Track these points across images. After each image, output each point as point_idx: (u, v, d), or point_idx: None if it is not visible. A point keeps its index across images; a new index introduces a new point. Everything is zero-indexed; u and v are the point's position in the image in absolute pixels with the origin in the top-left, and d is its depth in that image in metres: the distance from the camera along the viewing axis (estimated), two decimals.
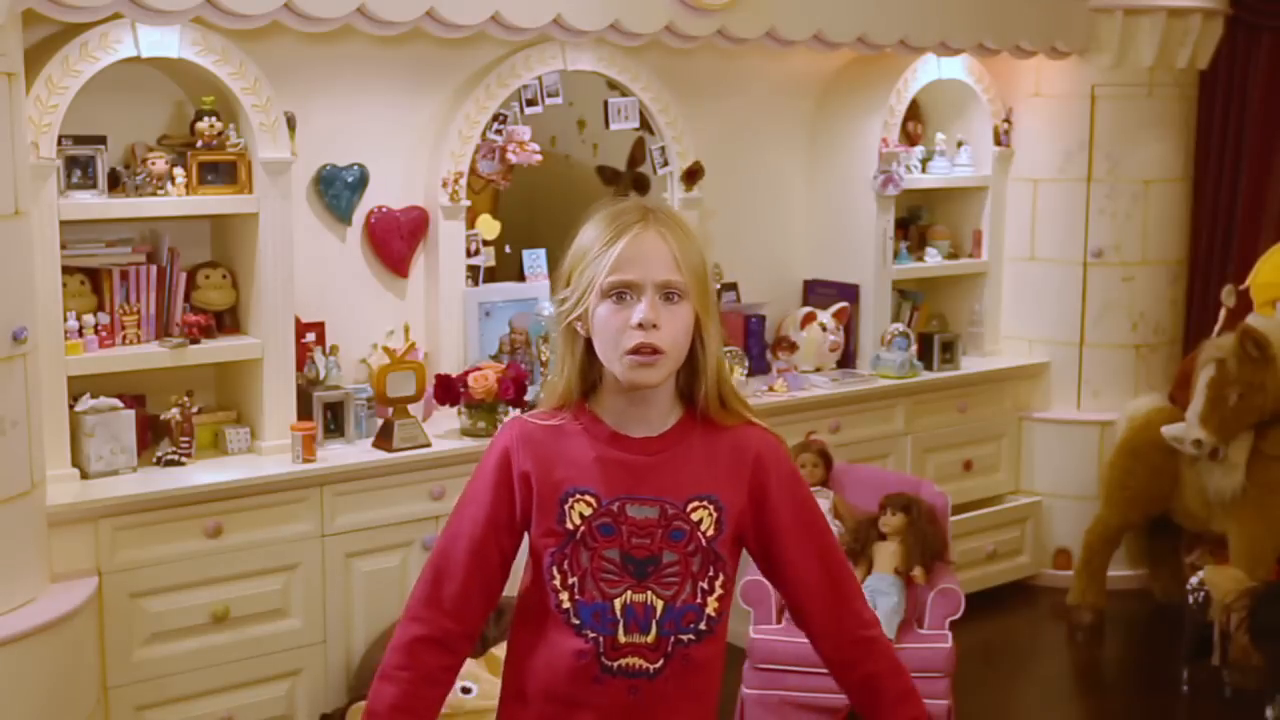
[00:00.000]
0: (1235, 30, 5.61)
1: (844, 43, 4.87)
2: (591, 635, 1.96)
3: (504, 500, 2.01)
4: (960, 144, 5.61)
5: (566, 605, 1.97)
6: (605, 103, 4.71)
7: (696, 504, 1.98)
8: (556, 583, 1.97)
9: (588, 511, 1.97)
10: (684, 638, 1.98)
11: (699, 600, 1.98)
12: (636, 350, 1.91)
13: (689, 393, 2.01)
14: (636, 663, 1.97)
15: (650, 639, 1.97)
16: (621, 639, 1.96)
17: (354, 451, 4.09)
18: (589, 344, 1.98)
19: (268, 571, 3.88)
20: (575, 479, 1.98)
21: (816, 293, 5.41)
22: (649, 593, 1.96)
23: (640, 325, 1.91)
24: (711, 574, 1.99)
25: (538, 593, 2.01)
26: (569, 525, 1.97)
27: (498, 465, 2.02)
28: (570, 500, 1.97)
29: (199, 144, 3.88)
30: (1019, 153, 5.68)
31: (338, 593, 4.00)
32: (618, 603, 1.96)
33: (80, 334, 3.75)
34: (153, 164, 3.81)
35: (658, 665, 1.97)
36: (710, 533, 1.98)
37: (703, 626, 1.99)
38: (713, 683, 2.05)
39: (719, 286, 5.03)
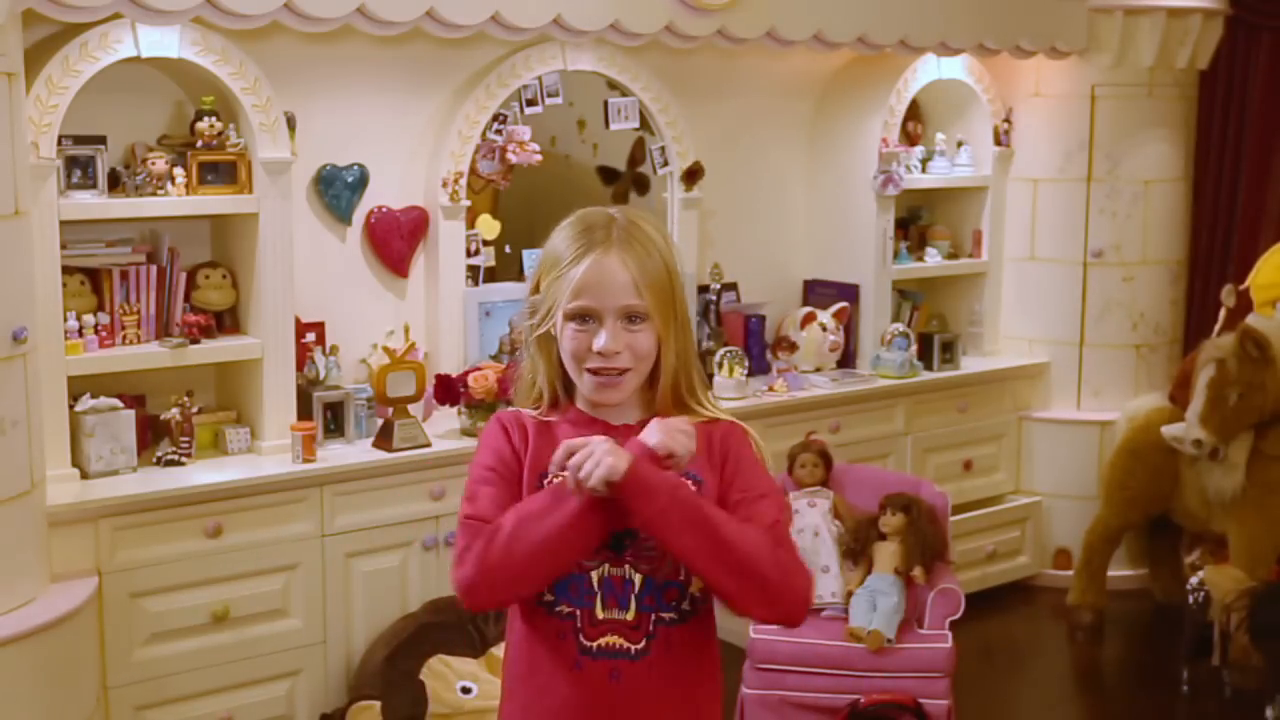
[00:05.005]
0: (1235, 30, 5.61)
1: (844, 43, 4.87)
2: (568, 610, 1.94)
3: (513, 453, 2.01)
4: (960, 144, 5.60)
5: None
6: (605, 103, 4.71)
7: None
8: None
9: None
10: (666, 615, 1.95)
11: (681, 576, 1.95)
12: (596, 372, 1.97)
13: (651, 390, 2.04)
14: (617, 642, 1.94)
15: (630, 615, 1.95)
16: (599, 614, 1.94)
17: (354, 451, 4.09)
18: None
19: (268, 571, 3.88)
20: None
21: (816, 293, 5.41)
22: (626, 566, 1.95)
23: (600, 352, 1.95)
24: None
25: None
26: None
27: (499, 432, 2.03)
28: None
29: (199, 144, 3.88)
30: (1019, 153, 5.68)
31: (338, 593, 4.00)
32: (594, 575, 1.95)
33: (80, 334, 3.75)
34: (153, 164, 3.81)
35: (640, 646, 1.95)
36: None
37: (686, 606, 1.96)
38: (702, 675, 2.01)
39: (719, 286, 5.03)
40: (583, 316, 1.96)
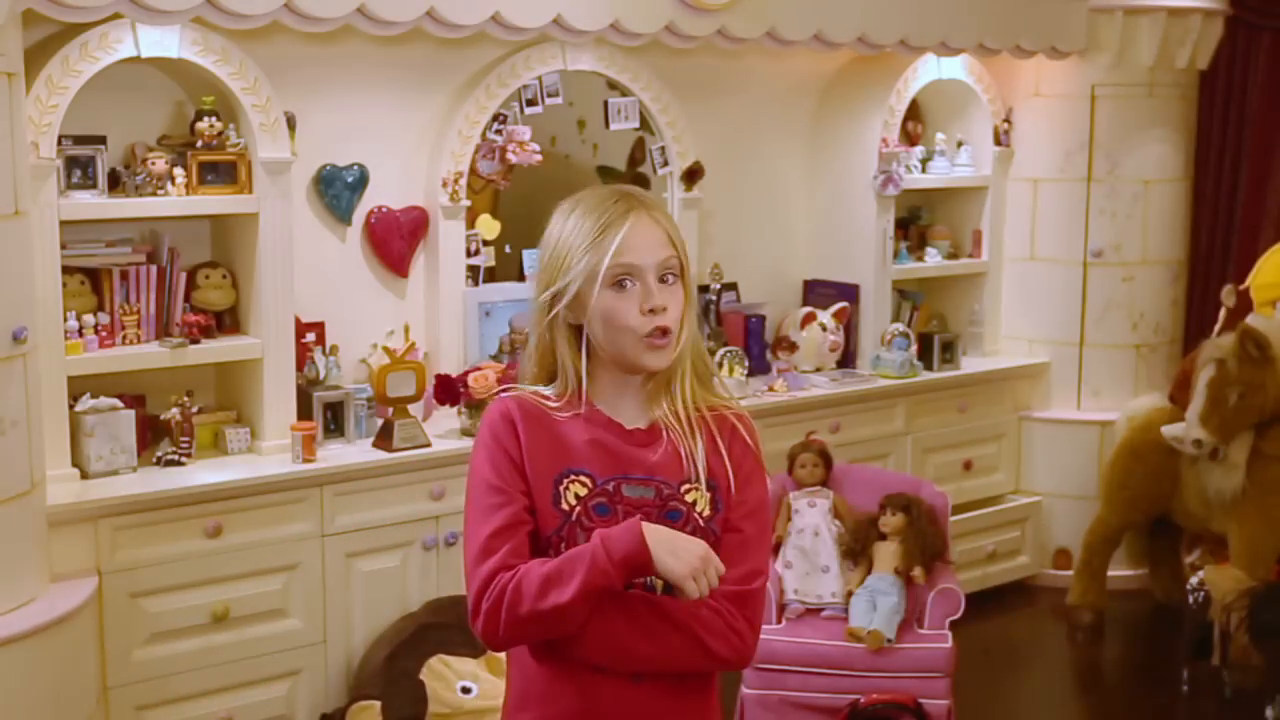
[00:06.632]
0: (1235, 30, 5.61)
1: (844, 43, 4.87)
2: None
3: (512, 464, 1.97)
4: (960, 144, 5.61)
5: None
6: (605, 103, 4.71)
7: (690, 486, 1.98)
8: None
9: (583, 492, 1.95)
10: None
11: None
12: (652, 335, 1.94)
13: (670, 376, 2.01)
14: None
15: None
16: None
17: (354, 451, 4.09)
18: (577, 331, 1.99)
19: (268, 571, 3.88)
20: (570, 460, 1.97)
21: (816, 293, 5.41)
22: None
23: (652, 310, 1.94)
24: None
25: None
26: (564, 506, 1.95)
27: (497, 432, 1.98)
28: (565, 481, 1.96)
29: (199, 144, 3.88)
30: (1019, 153, 5.68)
31: (338, 593, 4.00)
32: None
33: (80, 334, 3.75)
34: (153, 164, 3.81)
35: None
36: (706, 513, 1.98)
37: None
38: (709, 677, 2.02)
39: (719, 286, 5.03)
40: (620, 280, 1.94)
